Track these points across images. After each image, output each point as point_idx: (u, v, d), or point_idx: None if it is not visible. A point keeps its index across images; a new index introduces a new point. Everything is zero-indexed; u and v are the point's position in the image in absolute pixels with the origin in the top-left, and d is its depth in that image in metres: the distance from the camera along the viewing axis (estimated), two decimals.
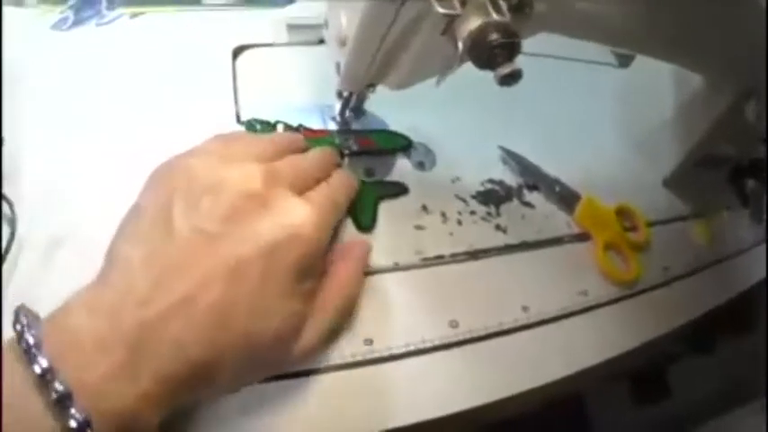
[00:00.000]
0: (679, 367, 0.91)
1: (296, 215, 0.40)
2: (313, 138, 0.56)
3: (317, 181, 0.48)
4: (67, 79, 0.58)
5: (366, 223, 0.53)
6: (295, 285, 0.40)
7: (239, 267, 0.37)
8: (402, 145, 0.60)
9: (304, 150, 0.51)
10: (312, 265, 0.42)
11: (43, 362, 0.31)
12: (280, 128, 0.57)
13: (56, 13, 0.64)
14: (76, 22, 0.64)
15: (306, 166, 0.48)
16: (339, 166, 0.54)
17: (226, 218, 0.38)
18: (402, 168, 0.59)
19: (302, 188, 0.45)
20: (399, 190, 0.56)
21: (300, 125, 0.58)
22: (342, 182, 0.50)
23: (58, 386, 0.30)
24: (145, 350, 0.33)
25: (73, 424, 0.30)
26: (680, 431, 0.96)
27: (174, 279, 0.35)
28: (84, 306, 0.34)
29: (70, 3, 0.65)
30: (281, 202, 0.41)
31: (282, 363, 0.42)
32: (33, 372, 0.31)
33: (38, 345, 0.32)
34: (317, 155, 0.51)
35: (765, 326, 0.79)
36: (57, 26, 0.63)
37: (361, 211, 0.53)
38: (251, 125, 0.56)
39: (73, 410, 0.30)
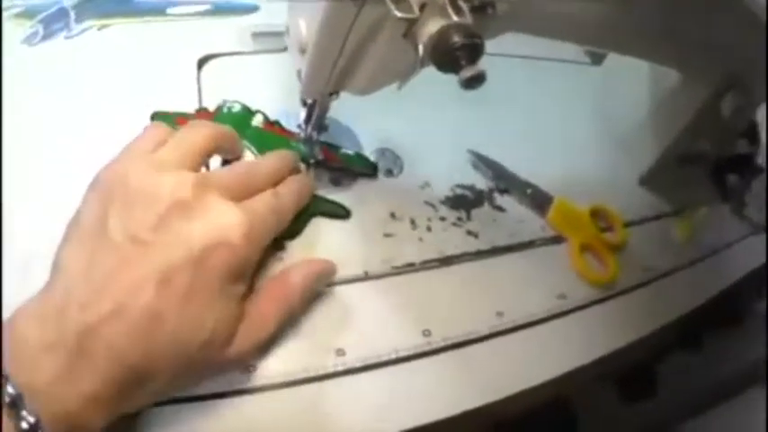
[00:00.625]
0: (666, 365, 0.91)
1: (224, 221, 0.41)
2: (281, 136, 0.57)
3: (263, 189, 0.47)
4: (37, 93, 0.57)
5: (286, 234, 0.51)
6: (225, 290, 0.40)
7: (168, 273, 0.38)
8: (366, 170, 0.59)
9: (230, 143, 0.51)
10: (243, 270, 0.42)
11: None
12: (258, 117, 0.57)
13: (26, 27, 0.64)
14: (46, 36, 0.63)
15: (250, 174, 0.47)
16: (296, 171, 0.53)
17: (156, 226, 0.39)
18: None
19: (242, 195, 0.45)
20: (340, 213, 0.55)
21: (277, 121, 0.58)
22: (290, 189, 0.50)
23: (10, 390, 0.32)
24: (85, 354, 0.34)
25: (24, 425, 0.32)
26: (668, 429, 0.95)
27: (108, 286, 0.36)
28: (32, 313, 0.36)
29: (39, 17, 0.65)
30: (209, 208, 0.41)
31: (217, 366, 0.42)
32: None
33: None
34: (267, 162, 0.51)
35: (766, 321, 0.79)
36: (27, 40, 0.63)
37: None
38: (230, 108, 0.57)
39: (24, 413, 0.32)
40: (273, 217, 0.46)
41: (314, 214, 0.54)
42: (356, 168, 0.58)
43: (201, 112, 0.58)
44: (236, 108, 0.57)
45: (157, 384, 0.37)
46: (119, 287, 0.36)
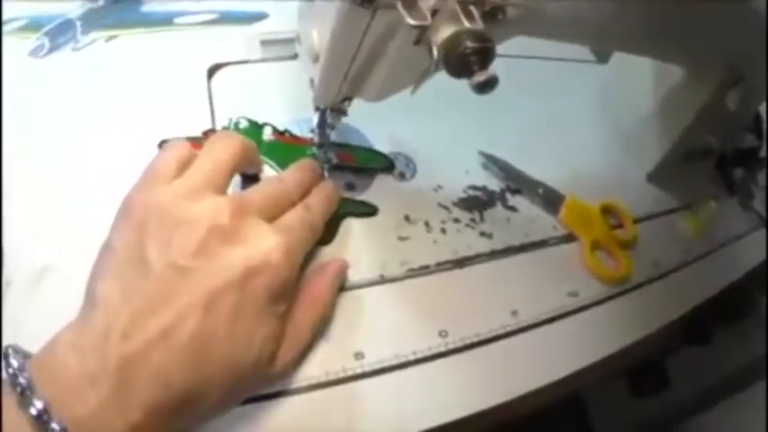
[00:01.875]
0: (676, 359, 0.91)
1: (265, 244, 0.41)
2: (295, 144, 0.57)
3: (294, 203, 0.48)
4: (47, 105, 0.58)
5: (325, 238, 0.52)
6: (269, 310, 0.41)
7: (213, 298, 0.38)
8: (383, 165, 0.59)
9: (253, 155, 0.51)
10: (284, 290, 0.43)
11: (38, 404, 0.32)
12: (267, 130, 0.58)
13: (32, 39, 0.64)
14: (53, 48, 0.63)
15: (279, 191, 0.48)
16: (320, 179, 0.54)
17: (197, 253, 0.39)
18: (383, 179, 0.59)
19: (275, 213, 0.46)
20: (368, 210, 0.56)
21: (286, 130, 0.59)
22: (319, 200, 0.50)
23: (55, 426, 0.32)
24: (130, 383, 0.35)
25: None
26: (679, 422, 0.96)
27: (152, 314, 0.36)
28: (71, 344, 0.36)
29: (45, 30, 0.65)
30: (249, 232, 0.41)
31: (262, 384, 0.43)
32: (30, 413, 0.32)
33: (31, 387, 0.33)
34: (292, 176, 0.51)
35: (766, 318, 0.79)
36: (34, 53, 0.63)
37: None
38: (237, 124, 0.58)
39: None
40: (308, 231, 0.47)
41: (344, 216, 0.55)
42: (373, 165, 0.59)
43: (210, 134, 0.58)
44: (244, 124, 0.58)
45: (204, 408, 0.38)
46: (162, 314, 0.37)
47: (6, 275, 0.45)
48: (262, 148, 0.56)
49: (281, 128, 0.59)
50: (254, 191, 0.48)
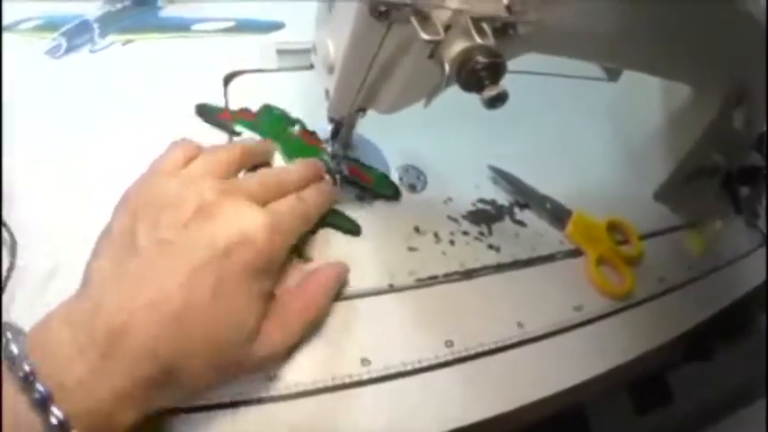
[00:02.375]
0: (678, 375, 0.91)
1: (247, 220, 0.43)
2: (316, 147, 0.59)
3: (289, 192, 0.50)
4: (62, 105, 0.58)
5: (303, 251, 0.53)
6: (250, 286, 0.42)
7: (194, 271, 0.40)
8: (388, 194, 0.59)
9: (261, 158, 0.54)
10: (266, 268, 0.44)
11: (25, 366, 0.34)
12: (298, 127, 0.60)
13: (48, 39, 0.64)
14: (69, 49, 0.64)
15: (276, 179, 0.50)
16: (321, 179, 0.55)
17: (181, 227, 0.41)
18: None
19: (268, 199, 0.47)
20: (352, 228, 0.55)
21: (314, 132, 0.60)
22: (314, 194, 0.52)
23: (39, 387, 0.34)
24: (117, 353, 0.36)
25: (54, 421, 0.33)
26: None
27: (138, 288, 0.39)
28: (64, 318, 0.38)
29: (62, 30, 0.66)
30: (233, 208, 0.43)
31: (244, 363, 0.43)
32: (18, 376, 0.34)
33: (22, 353, 0.35)
34: (295, 168, 0.53)
35: (766, 330, 0.79)
36: (50, 53, 0.63)
37: None
38: (269, 109, 0.61)
39: (53, 409, 0.33)
40: (297, 219, 0.49)
41: (326, 225, 0.55)
42: (381, 190, 0.59)
43: (245, 112, 0.60)
44: (278, 112, 0.60)
45: (187, 380, 0.39)
46: (149, 288, 0.38)
47: (16, 273, 0.46)
48: (282, 137, 0.58)
49: (310, 128, 0.61)
50: (251, 176, 0.51)
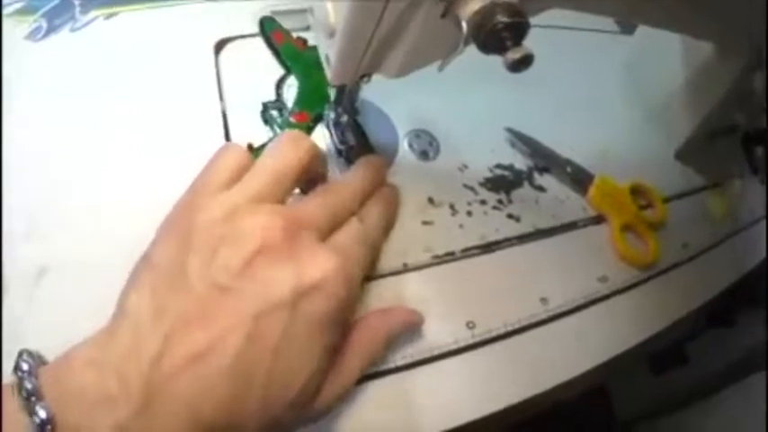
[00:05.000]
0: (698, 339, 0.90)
1: (321, 267, 0.37)
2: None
3: (353, 213, 0.45)
4: (45, 91, 0.55)
5: None
6: (319, 342, 0.37)
7: (258, 323, 0.34)
8: None
9: (318, 165, 0.46)
10: (338, 319, 0.39)
11: (42, 413, 0.30)
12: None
13: (29, 23, 0.61)
14: (50, 30, 0.60)
15: (339, 201, 0.44)
16: (383, 181, 0.51)
17: (243, 272, 0.36)
18: (405, 159, 0.57)
19: (331, 227, 0.42)
20: None
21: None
22: (379, 212, 0.48)
23: None
24: (153, 410, 0.32)
25: None
26: (698, 399, 0.95)
27: (186, 334, 0.33)
28: (90, 360, 0.33)
29: (42, 11, 0.62)
30: (304, 253, 0.38)
31: (297, 423, 0.39)
32: (33, 422, 0.30)
33: (37, 393, 0.31)
34: (354, 182, 0.47)
35: (766, 307, 0.78)
36: (30, 36, 0.59)
37: None
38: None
39: None
40: (365, 249, 0.44)
41: None
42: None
43: (299, 40, 0.60)
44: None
45: None
46: (198, 337, 0.33)
47: (6, 274, 0.43)
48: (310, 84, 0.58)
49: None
50: (313, 202, 0.43)
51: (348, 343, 0.41)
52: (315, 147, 0.44)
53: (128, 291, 0.36)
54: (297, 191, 0.46)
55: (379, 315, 0.45)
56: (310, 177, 0.46)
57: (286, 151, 0.42)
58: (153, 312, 0.34)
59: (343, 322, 0.40)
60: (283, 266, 0.36)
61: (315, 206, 0.42)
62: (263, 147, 0.52)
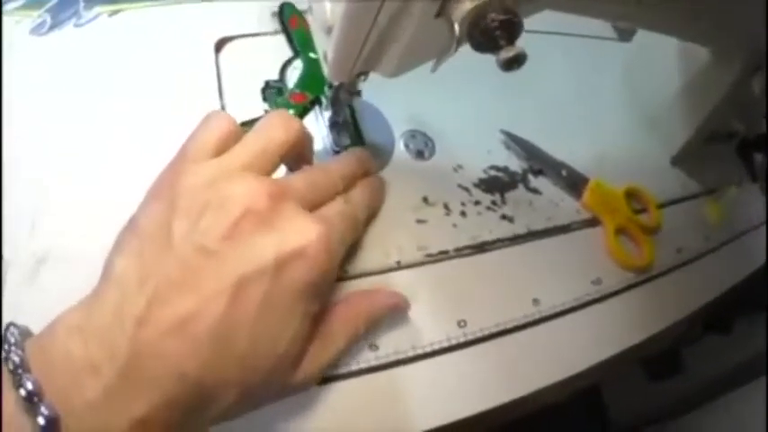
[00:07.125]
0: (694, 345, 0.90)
1: (304, 234, 0.38)
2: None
3: (338, 193, 0.45)
4: (49, 86, 0.55)
5: None
6: (300, 308, 0.38)
7: (240, 287, 0.35)
8: None
9: (306, 147, 0.47)
10: (320, 286, 0.39)
11: (29, 384, 0.30)
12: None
13: (33, 17, 0.61)
14: (54, 26, 0.60)
15: (324, 179, 0.45)
16: (369, 172, 0.51)
17: (228, 236, 0.36)
18: (400, 158, 0.57)
19: (317, 202, 0.43)
20: None
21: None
22: (364, 195, 0.48)
23: (44, 410, 0.30)
24: (139, 374, 0.32)
25: None
26: (693, 407, 0.95)
27: (171, 297, 0.34)
28: (75, 327, 0.33)
29: (46, 6, 0.62)
30: (288, 220, 0.38)
31: (281, 389, 0.39)
32: (19, 394, 0.30)
33: (24, 365, 0.31)
34: (340, 165, 0.48)
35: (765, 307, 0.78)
36: (35, 31, 0.60)
37: None
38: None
39: None
40: (348, 225, 0.45)
41: None
42: None
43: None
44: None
45: (217, 407, 0.35)
46: (183, 300, 0.34)
47: (6, 260, 0.43)
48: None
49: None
50: (298, 176, 0.44)
51: (330, 318, 0.42)
52: (303, 127, 0.44)
53: (113, 255, 0.37)
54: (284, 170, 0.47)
55: (363, 294, 0.45)
56: (297, 158, 0.46)
57: (276, 128, 0.42)
58: (138, 276, 0.34)
59: (324, 292, 0.41)
60: (267, 232, 0.37)
61: (301, 179, 0.43)
62: (252, 121, 0.52)
